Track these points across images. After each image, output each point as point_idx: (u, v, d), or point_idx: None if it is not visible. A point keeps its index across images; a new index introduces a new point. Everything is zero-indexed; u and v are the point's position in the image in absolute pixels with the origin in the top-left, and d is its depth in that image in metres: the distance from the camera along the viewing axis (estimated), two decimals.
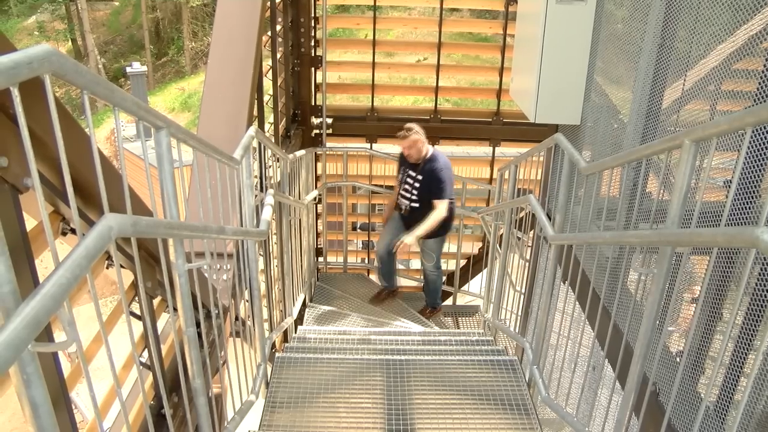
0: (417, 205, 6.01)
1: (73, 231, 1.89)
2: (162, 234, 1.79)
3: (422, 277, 7.07)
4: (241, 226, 3.31)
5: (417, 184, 5.95)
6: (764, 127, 2.16)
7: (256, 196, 3.53)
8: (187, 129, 2.12)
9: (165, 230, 1.76)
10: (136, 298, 2.24)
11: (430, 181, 5.86)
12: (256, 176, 4.04)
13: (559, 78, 4.06)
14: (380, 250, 6.67)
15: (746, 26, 2.60)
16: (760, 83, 2.38)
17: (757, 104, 2.37)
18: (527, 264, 5.12)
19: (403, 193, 6.12)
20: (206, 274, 2.72)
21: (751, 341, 2.18)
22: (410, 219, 6.07)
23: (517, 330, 4.98)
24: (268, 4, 5.11)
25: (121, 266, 2.10)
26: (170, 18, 30.37)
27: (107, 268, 2.13)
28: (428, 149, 5.92)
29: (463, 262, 8.01)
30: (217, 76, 4.43)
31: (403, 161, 6.09)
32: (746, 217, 2.23)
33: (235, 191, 3.01)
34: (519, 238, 5.33)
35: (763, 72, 2.37)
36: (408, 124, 5.83)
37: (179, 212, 2.04)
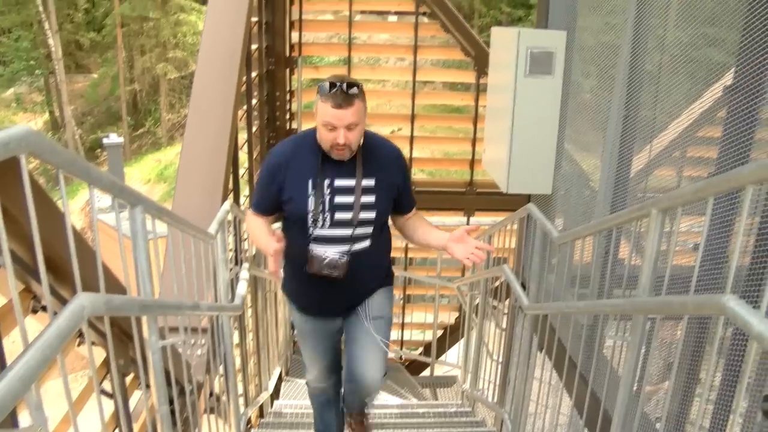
0: (368, 243, 2.82)
1: (44, 308, 1.87)
2: (136, 312, 1.78)
3: (349, 375, 3.06)
4: (216, 300, 3.28)
5: (370, 198, 2.77)
6: (724, 198, 2.23)
7: (231, 269, 3.52)
8: (161, 205, 2.14)
9: (139, 308, 1.75)
10: (108, 376, 2.20)
11: (393, 182, 2.85)
12: (231, 249, 4.03)
13: (530, 148, 4.16)
14: (317, 379, 3.34)
15: (703, 96, 2.72)
16: (720, 150, 2.47)
17: (719, 170, 2.46)
18: (503, 333, 5.11)
19: (333, 232, 2.75)
20: (180, 350, 2.68)
21: (729, 403, 2.19)
22: (355, 285, 2.90)
23: (495, 400, 4.92)
24: (244, 79, 5.22)
25: (93, 343, 2.07)
26: (148, 90, 30.68)
27: (78, 345, 2.10)
28: None
29: (440, 332, 7.97)
30: (193, 148, 4.47)
31: (305, 167, 2.75)
32: (717, 282, 2.28)
33: (209, 266, 3.00)
34: (494, 307, 5.34)
35: (722, 139, 2.47)
36: (340, 76, 2.61)
37: (153, 288, 2.03)
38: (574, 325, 3.21)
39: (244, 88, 5.29)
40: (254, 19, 5.78)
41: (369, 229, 2.79)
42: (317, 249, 2.72)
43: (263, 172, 2.81)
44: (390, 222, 3.03)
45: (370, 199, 2.76)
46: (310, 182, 2.70)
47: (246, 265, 3.83)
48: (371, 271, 2.92)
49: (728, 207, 2.27)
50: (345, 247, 2.75)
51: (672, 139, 2.95)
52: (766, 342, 1.38)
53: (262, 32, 6.22)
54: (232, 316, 3.36)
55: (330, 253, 2.72)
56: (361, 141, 2.73)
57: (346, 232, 2.74)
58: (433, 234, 2.98)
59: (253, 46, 5.81)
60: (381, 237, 2.90)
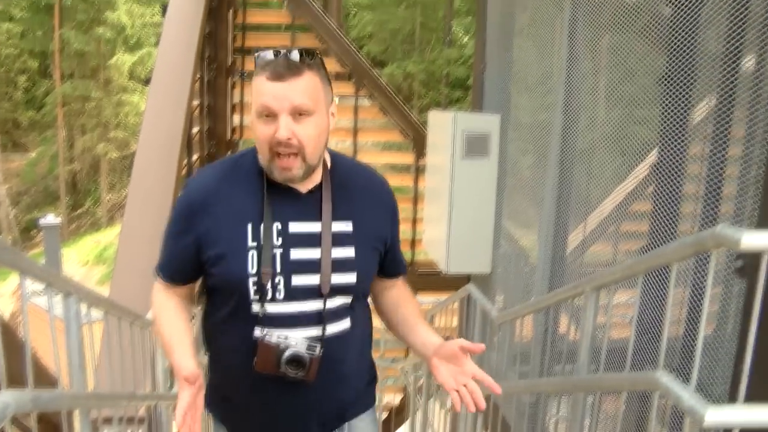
0: (347, 324, 1.77)
1: None
2: (66, 406, 1.71)
3: None
4: (154, 389, 3.18)
5: (347, 252, 1.74)
6: (656, 271, 2.32)
7: None
8: (96, 292, 2.09)
9: (70, 401, 1.69)
10: None
11: (381, 230, 1.84)
12: None
13: (468, 228, 4.24)
14: None
15: (633, 173, 2.86)
16: (651, 224, 2.59)
17: (650, 243, 2.57)
18: (448, 413, 5.06)
19: (293, 307, 1.70)
20: None
21: None
22: (328, 394, 1.78)
23: None
24: (186, 161, 5.22)
25: None
26: (88, 169, 30.30)
27: None
28: None
29: (385, 414, 7.85)
30: (132, 231, 4.42)
31: (240, 203, 1.70)
32: (655, 354, 2.34)
33: (147, 352, 2.92)
34: (439, 387, 5.30)
35: (651, 214, 2.59)
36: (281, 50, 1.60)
37: (87, 378, 1.96)
38: (517, 403, 3.21)
39: (185, 170, 5.29)
40: (196, 102, 5.85)
41: (347, 300, 1.76)
42: (273, 334, 1.67)
43: (173, 217, 1.78)
44: None
45: (346, 253, 1.74)
46: (249, 227, 1.68)
47: None
48: (352, 370, 1.85)
49: (660, 280, 2.36)
50: (315, 332, 1.71)
51: (606, 215, 3.07)
52: (697, 416, 1.42)
53: (203, 115, 6.28)
54: (171, 404, 3.26)
55: (293, 340, 1.67)
56: (328, 162, 1.77)
57: (314, 306, 1.71)
58: (420, 330, 1.86)
59: (195, 129, 5.85)
60: (363, 314, 1.88)
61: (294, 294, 1.69)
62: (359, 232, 1.76)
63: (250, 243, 1.67)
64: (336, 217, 1.73)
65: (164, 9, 6.12)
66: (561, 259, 3.37)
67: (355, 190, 1.79)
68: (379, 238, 1.81)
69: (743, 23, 2.10)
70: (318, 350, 1.67)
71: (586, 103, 3.23)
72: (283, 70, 1.56)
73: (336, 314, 1.73)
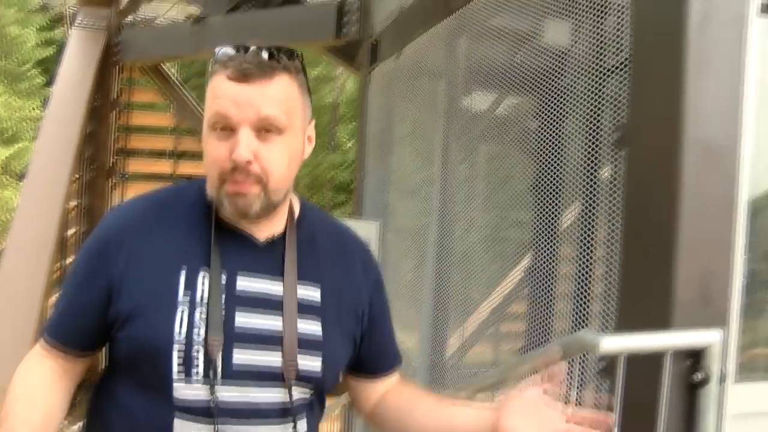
0: (305, 426, 1.24)
1: None
2: None
3: None
4: None
5: (311, 325, 1.22)
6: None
7: None
8: None
9: None
10: None
11: (358, 302, 1.32)
12: None
13: None
14: None
15: (511, 273, 2.97)
16: (527, 324, 2.68)
17: (528, 343, 2.65)
18: None
19: (246, 395, 1.16)
20: None
21: None
22: None
23: None
24: (59, 264, 4.99)
25: None
26: None
27: None
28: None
29: None
30: None
31: (175, 242, 1.21)
32: None
33: None
34: None
35: (528, 313, 2.69)
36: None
37: None
38: None
39: (58, 274, 5.05)
40: (73, 203, 5.67)
41: (306, 395, 1.24)
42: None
43: (79, 257, 1.28)
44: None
45: (312, 327, 1.24)
46: (182, 276, 1.18)
47: None
48: None
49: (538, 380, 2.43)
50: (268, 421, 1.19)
51: (484, 317, 3.16)
52: None
53: (80, 217, 6.08)
54: None
55: None
56: (296, 208, 1.32)
57: (273, 396, 1.19)
58: (460, 414, 1.33)
59: (71, 231, 5.64)
60: (318, 416, 1.34)
61: (234, 376, 1.17)
62: (328, 303, 1.28)
63: (181, 296, 1.17)
64: (303, 277, 1.26)
65: (45, 103, 6.00)
66: (441, 362, 3.41)
67: (326, 249, 1.34)
68: (353, 315, 1.32)
69: (597, 137, 2.30)
70: None
71: (462, 209, 3.37)
72: (252, 68, 1.14)
73: (300, 412, 1.24)
